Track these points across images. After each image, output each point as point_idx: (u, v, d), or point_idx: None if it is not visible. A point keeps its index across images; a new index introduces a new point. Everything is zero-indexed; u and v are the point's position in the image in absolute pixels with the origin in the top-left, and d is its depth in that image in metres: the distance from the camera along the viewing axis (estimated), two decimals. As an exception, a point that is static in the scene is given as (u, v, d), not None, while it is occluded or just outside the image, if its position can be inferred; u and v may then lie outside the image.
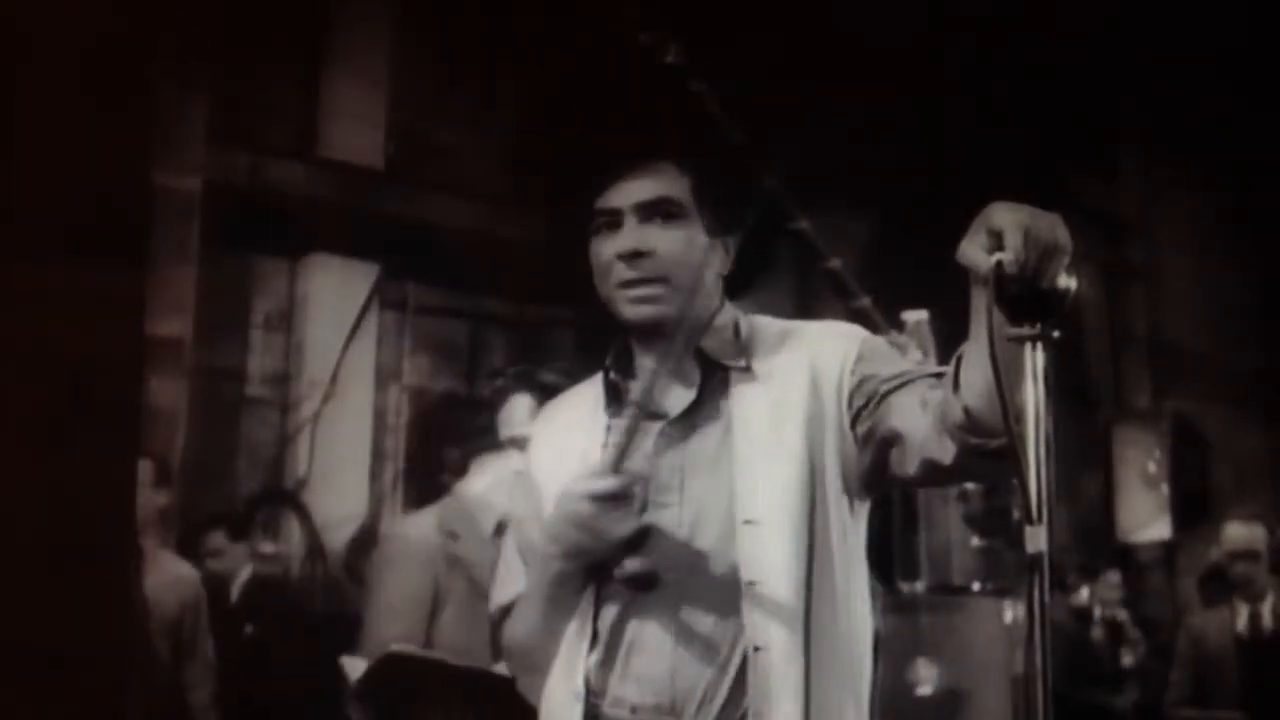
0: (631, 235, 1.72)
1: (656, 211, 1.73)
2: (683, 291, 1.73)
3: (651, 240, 1.72)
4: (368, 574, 3.27)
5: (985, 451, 1.49)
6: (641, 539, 1.69)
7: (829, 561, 1.68)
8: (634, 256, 1.72)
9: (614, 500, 1.67)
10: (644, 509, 1.69)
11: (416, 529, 3.22)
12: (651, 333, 1.76)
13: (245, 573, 4.78)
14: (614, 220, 1.73)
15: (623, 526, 1.68)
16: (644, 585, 1.70)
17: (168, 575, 3.79)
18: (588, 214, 1.76)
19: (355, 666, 2.80)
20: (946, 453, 1.54)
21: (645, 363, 1.79)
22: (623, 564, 1.70)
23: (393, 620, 2.92)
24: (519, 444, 2.81)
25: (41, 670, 0.99)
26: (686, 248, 1.74)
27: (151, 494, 3.79)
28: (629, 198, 1.73)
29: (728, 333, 1.77)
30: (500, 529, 2.98)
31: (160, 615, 3.71)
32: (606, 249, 1.73)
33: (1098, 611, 5.71)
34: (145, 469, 3.60)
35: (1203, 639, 4.43)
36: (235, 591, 4.72)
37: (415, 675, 2.78)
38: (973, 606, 4.65)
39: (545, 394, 2.60)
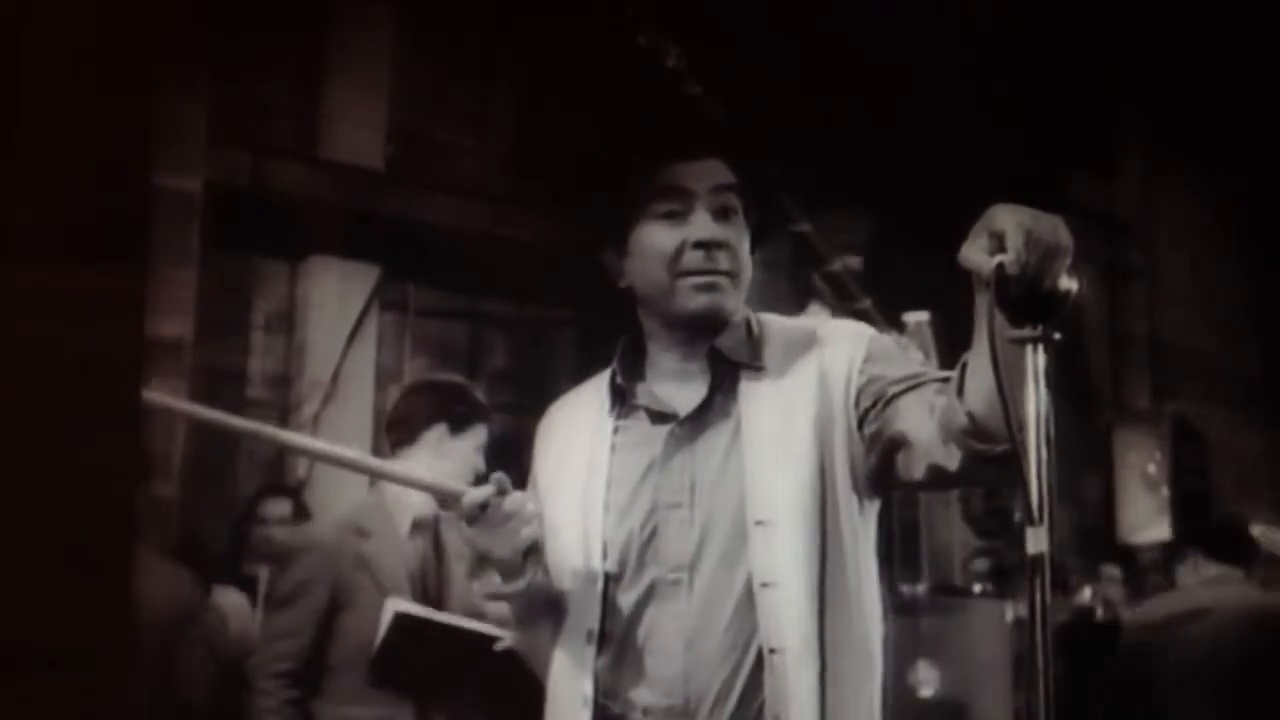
0: (707, 225, 1.71)
1: (726, 201, 1.73)
2: (741, 290, 1.74)
3: (724, 233, 1.72)
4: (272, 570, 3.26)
5: (990, 457, 1.49)
6: (533, 552, 1.70)
7: (842, 562, 1.68)
8: (713, 247, 1.71)
9: (482, 518, 1.67)
10: (532, 520, 1.70)
11: (317, 526, 3.23)
12: (697, 326, 1.75)
13: None
14: (681, 206, 1.72)
15: (504, 544, 1.68)
16: None
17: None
18: (645, 200, 1.74)
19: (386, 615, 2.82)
20: (952, 459, 1.55)
21: (657, 364, 1.78)
22: None
23: (278, 616, 2.94)
24: None
25: (41, 670, 0.99)
26: (744, 243, 1.75)
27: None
28: (702, 180, 1.73)
29: (740, 332, 1.77)
30: (417, 527, 3.00)
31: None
32: (671, 236, 1.71)
33: (1099, 612, 5.71)
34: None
35: None
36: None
37: (425, 638, 2.79)
38: (974, 608, 4.65)
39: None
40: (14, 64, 1.01)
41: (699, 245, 1.70)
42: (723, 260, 1.71)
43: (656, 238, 1.72)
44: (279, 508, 4.40)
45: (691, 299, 1.72)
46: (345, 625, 2.90)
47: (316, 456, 2.72)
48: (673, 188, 1.72)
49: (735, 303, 1.74)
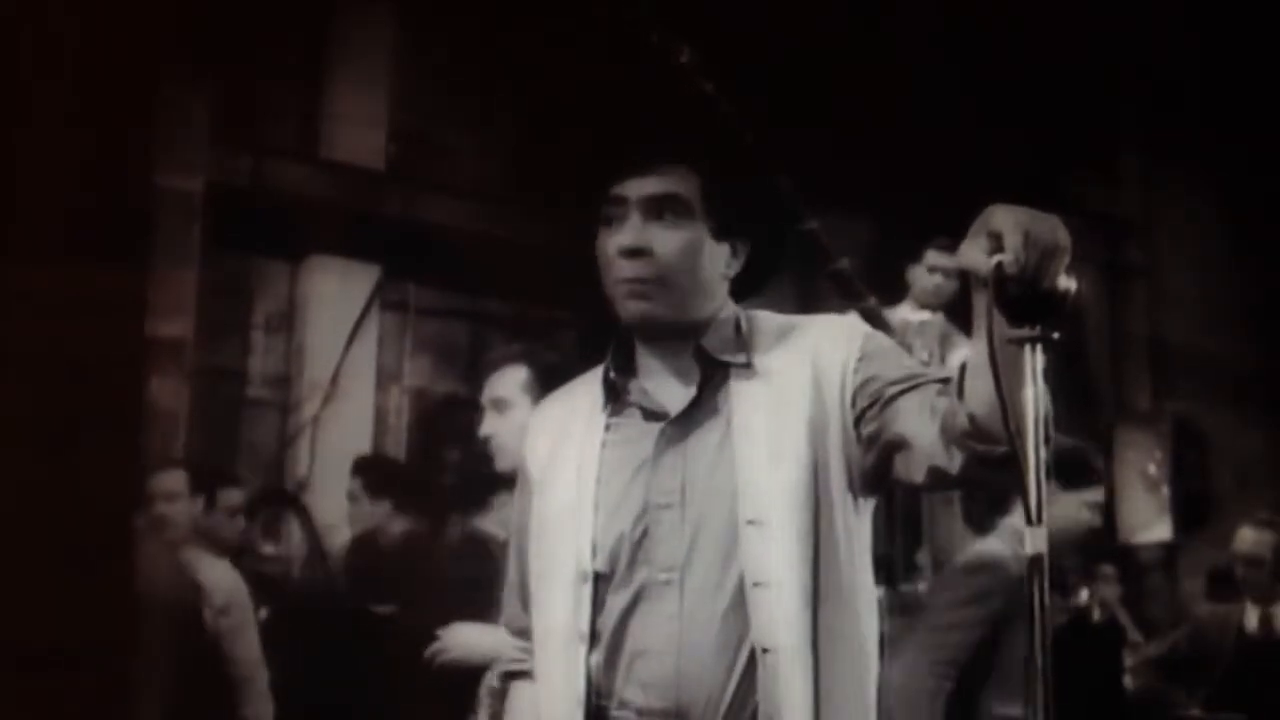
0: (632, 231, 1.71)
1: (661, 209, 1.72)
2: (679, 293, 1.72)
3: (651, 239, 1.71)
4: None
5: (992, 459, 1.49)
6: None
7: (835, 561, 1.67)
8: (632, 254, 1.71)
9: None
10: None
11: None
12: (649, 331, 1.75)
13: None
14: (620, 213, 1.73)
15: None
16: None
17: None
18: (601, 204, 1.75)
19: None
20: (954, 462, 1.54)
21: (647, 362, 1.79)
22: None
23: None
24: (499, 406, 2.86)
25: (43, 669, 0.99)
26: (685, 249, 1.73)
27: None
28: (636, 190, 1.73)
29: (728, 330, 1.77)
30: None
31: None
32: (611, 244, 1.73)
33: (1097, 613, 5.70)
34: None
35: (1208, 639, 4.44)
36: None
37: None
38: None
39: (545, 371, 2.65)
40: (15, 65, 1.01)
41: (622, 253, 1.71)
42: (644, 268, 1.70)
43: (603, 246, 1.74)
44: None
45: (624, 307, 1.72)
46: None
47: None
48: (613, 197, 1.73)
49: (674, 308, 1.72)
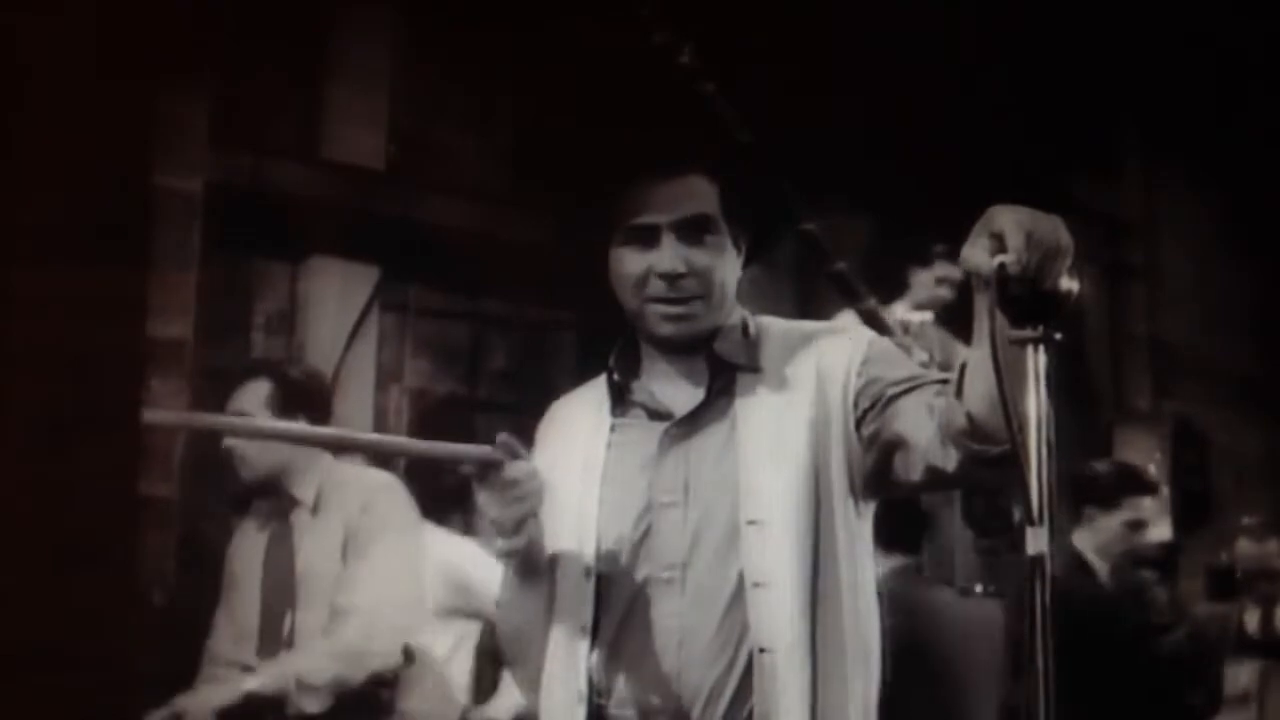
0: (673, 255, 1.72)
1: (695, 229, 1.73)
2: (714, 306, 1.74)
3: (690, 259, 1.72)
4: None
5: (988, 458, 1.50)
6: (531, 519, 1.69)
7: (834, 562, 1.68)
8: (676, 277, 1.72)
9: (487, 480, 1.68)
10: (534, 493, 1.69)
11: None
12: (677, 345, 1.76)
13: None
14: (649, 236, 1.73)
15: (502, 509, 1.67)
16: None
17: None
18: (616, 225, 1.75)
19: None
20: (950, 460, 1.55)
21: (654, 364, 1.80)
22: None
23: None
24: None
25: (42, 671, 0.99)
26: (719, 263, 1.75)
27: None
28: (667, 214, 1.74)
29: (737, 334, 1.79)
30: None
31: None
32: (638, 262, 1.74)
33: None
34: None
35: (1207, 639, 4.44)
36: None
37: None
38: (975, 608, 4.65)
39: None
40: (14, 64, 1.01)
41: (663, 276, 1.71)
42: (689, 287, 1.72)
43: (625, 264, 1.75)
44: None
45: (659, 326, 1.75)
46: None
47: (334, 445, 2.78)
48: (638, 225, 1.73)
49: (710, 321, 1.75)
